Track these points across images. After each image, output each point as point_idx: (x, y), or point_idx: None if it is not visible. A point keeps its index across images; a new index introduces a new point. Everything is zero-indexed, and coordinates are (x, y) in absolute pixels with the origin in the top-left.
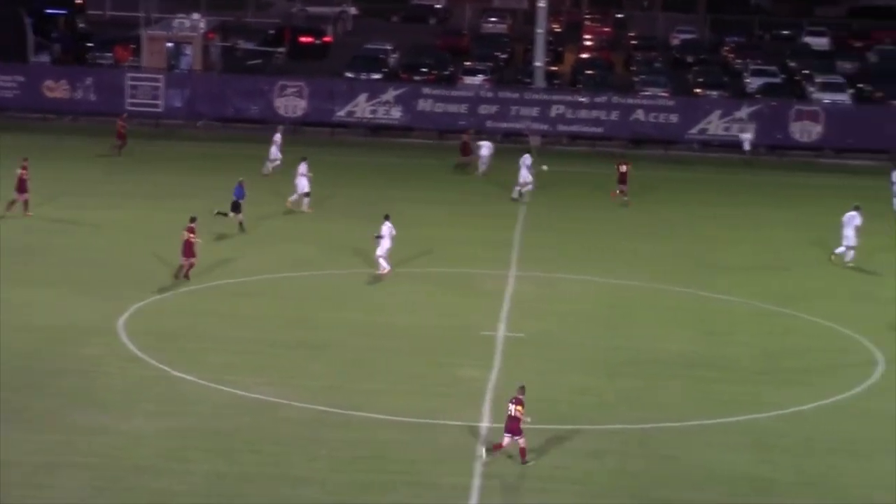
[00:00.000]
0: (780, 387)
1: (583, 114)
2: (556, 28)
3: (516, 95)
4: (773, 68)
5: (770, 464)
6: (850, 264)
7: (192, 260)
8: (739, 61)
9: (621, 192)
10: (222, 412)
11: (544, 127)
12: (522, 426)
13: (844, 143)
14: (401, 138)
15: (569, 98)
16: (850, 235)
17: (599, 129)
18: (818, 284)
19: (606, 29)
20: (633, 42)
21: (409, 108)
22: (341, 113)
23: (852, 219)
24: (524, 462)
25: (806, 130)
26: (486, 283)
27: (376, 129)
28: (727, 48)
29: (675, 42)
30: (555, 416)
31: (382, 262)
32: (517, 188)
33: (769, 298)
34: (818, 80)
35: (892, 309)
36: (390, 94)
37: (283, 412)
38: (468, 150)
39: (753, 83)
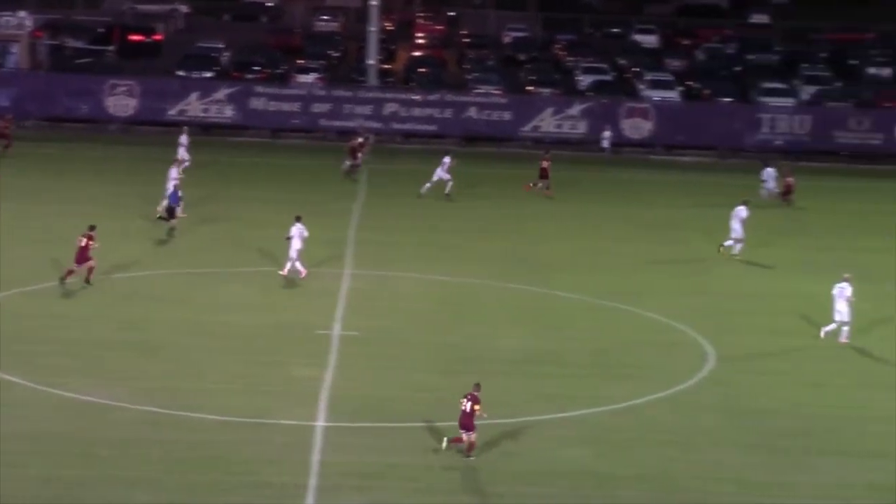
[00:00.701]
0: (615, 381)
1: (416, 112)
2: (389, 26)
3: (349, 94)
4: (604, 66)
5: (607, 458)
6: (738, 257)
7: (90, 264)
8: (571, 59)
9: (535, 185)
10: (53, 415)
11: (378, 125)
12: (476, 422)
13: (674, 140)
14: (233, 136)
15: (402, 96)
16: (737, 228)
17: (433, 127)
18: (650, 280)
19: (439, 27)
20: (466, 40)
21: (241, 106)
22: (173, 112)
23: (739, 212)
24: (468, 456)
25: (636, 127)
26: (321, 281)
27: (208, 128)
28: (559, 46)
29: (508, 40)
30: (391, 414)
31: (296, 265)
32: (429, 185)
33: (602, 294)
34: (648, 77)
35: (722, 303)
36: (222, 93)
37: (116, 414)
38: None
39: (585, 81)
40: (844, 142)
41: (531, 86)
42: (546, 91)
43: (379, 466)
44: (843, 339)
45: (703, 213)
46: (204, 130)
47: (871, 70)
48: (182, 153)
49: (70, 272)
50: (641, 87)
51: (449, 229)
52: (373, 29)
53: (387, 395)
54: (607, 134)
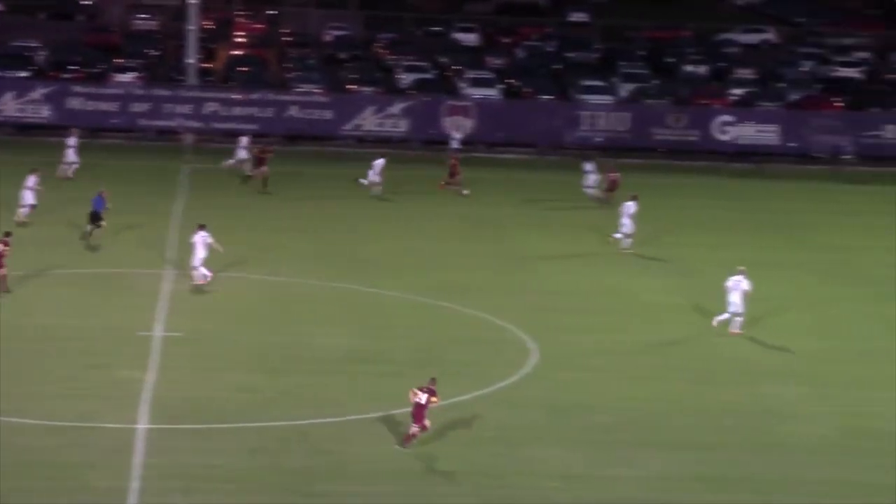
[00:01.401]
0: (440, 378)
1: (237, 111)
2: (208, 25)
3: (169, 93)
4: (425, 64)
5: (431, 455)
6: (628, 251)
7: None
8: (392, 58)
9: (448, 184)
10: None
11: (198, 125)
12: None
13: (495, 138)
14: (51, 137)
15: (222, 95)
16: (626, 223)
17: (254, 126)
18: (475, 277)
19: (259, 26)
20: (287, 39)
21: (58, 106)
22: None
23: (628, 208)
24: (405, 446)
25: (458, 125)
26: (141, 282)
27: (24, 128)
28: (380, 45)
29: (329, 38)
30: (214, 415)
31: (199, 271)
32: (364, 181)
33: (428, 292)
34: (469, 75)
35: (546, 300)
36: (38, 92)
37: None
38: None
39: (406, 79)
40: (662, 138)
41: (352, 84)
42: (367, 90)
43: (202, 468)
44: (736, 329)
45: (526, 211)
46: (20, 131)
47: (688, 68)
48: (71, 155)
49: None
50: (463, 85)
51: (271, 228)
52: (192, 27)
53: (210, 395)
54: (456, 135)
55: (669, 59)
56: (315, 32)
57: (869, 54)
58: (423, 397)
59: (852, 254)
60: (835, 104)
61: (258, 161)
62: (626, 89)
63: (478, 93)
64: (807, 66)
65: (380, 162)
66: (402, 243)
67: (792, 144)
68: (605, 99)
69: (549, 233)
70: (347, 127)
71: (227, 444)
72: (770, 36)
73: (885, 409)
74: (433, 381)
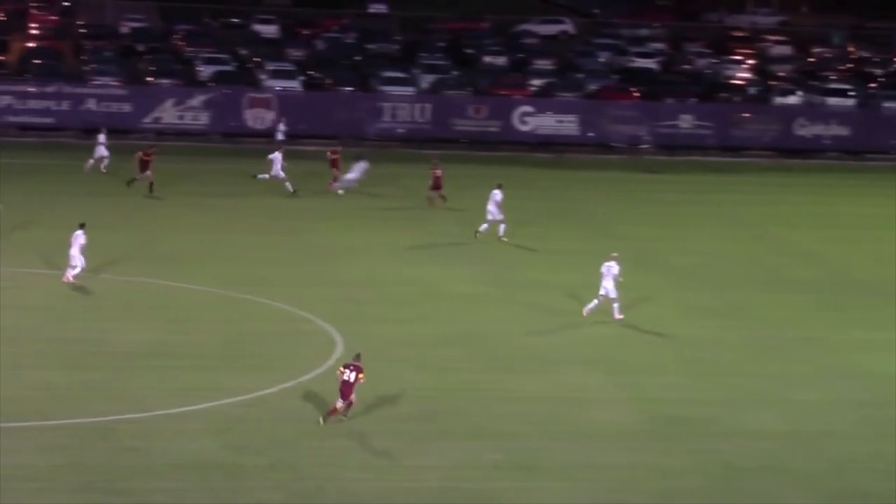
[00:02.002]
0: (244, 372)
1: (32, 104)
2: (1, 17)
3: None
4: (225, 56)
5: (237, 450)
6: (505, 239)
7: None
8: (191, 49)
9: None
10: None
11: None
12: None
13: (297, 129)
14: None
15: (16, 88)
16: (493, 211)
17: (50, 120)
18: (279, 270)
19: (53, 17)
20: (83, 30)
21: None
22: None
23: (494, 195)
24: (326, 420)
25: (259, 117)
26: None
27: None
28: (178, 36)
29: (126, 30)
30: (11, 414)
31: (70, 271)
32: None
33: (232, 285)
34: (269, 67)
35: (351, 291)
36: None
37: None
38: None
39: (206, 71)
40: (463, 129)
41: (151, 76)
42: (166, 82)
43: (3, 468)
44: (617, 315)
45: (330, 203)
46: None
47: (487, 58)
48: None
49: None
50: (263, 77)
51: (69, 225)
52: None
53: (5, 395)
54: (282, 127)
55: (469, 51)
56: (111, 24)
57: (663, 45)
58: (350, 375)
59: (650, 242)
60: (632, 94)
61: (142, 164)
62: (426, 80)
63: (279, 84)
64: (604, 56)
65: (276, 156)
66: (204, 237)
67: (591, 134)
68: (406, 90)
69: (354, 224)
70: (147, 120)
71: (28, 442)
72: (568, 27)
73: (682, 394)
74: (358, 357)
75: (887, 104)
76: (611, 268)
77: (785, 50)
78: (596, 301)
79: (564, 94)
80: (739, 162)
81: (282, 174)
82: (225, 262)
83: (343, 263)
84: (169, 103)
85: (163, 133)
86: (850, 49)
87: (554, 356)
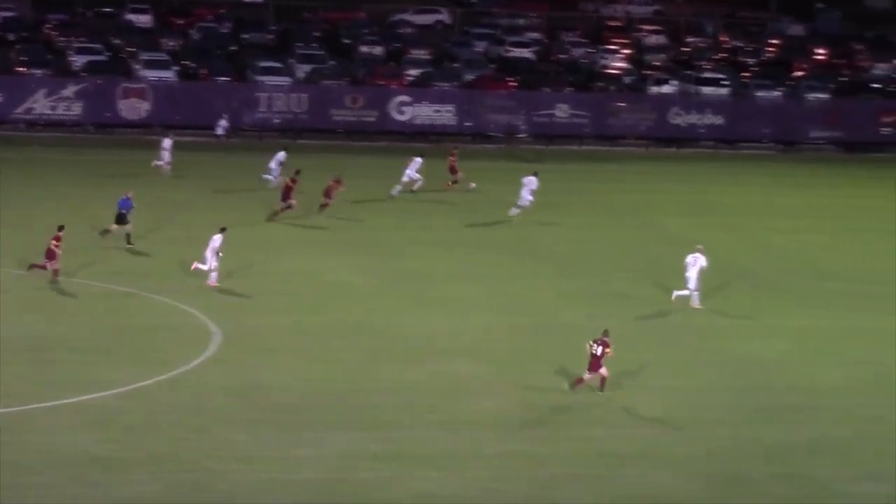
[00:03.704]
0: (123, 365)
1: None
2: None
3: None
4: (98, 46)
5: (114, 442)
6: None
7: (54, 265)
8: (63, 39)
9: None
10: None
11: None
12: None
13: (172, 120)
14: None
15: None
16: (526, 196)
17: None
18: (156, 262)
19: None
20: None
21: None
22: None
23: (529, 182)
24: (602, 390)
25: (133, 108)
26: None
27: None
28: (49, 26)
29: None
30: None
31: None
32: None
33: (110, 278)
34: (143, 57)
35: (229, 283)
36: None
37: None
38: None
39: (79, 61)
40: (341, 119)
41: (22, 67)
42: (38, 72)
43: None
44: (696, 304)
45: (205, 193)
46: None
47: (364, 48)
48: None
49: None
50: (137, 67)
51: None
52: None
53: None
54: (223, 122)
55: (345, 41)
56: None
57: (539, 35)
58: (597, 349)
59: (530, 230)
60: (508, 84)
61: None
62: (302, 70)
63: (153, 75)
64: (480, 46)
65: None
66: (82, 229)
67: (468, 124)
68: (283, 80)
69: (232, 215)
70: (18, 111)
71: None
72: (444, 17)
73: (561, 382)
74: (606, 332)
75: (760, 93)
76: (697, 258)
77: (659, 39)
78: (686, 291)
79: (441, 84)
80: (615, 151)
81: (417, 176)
82: (103, 255)
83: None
84: (41, 94)
85: (35, 124)
86: (724, 39)
87: (433, 346)
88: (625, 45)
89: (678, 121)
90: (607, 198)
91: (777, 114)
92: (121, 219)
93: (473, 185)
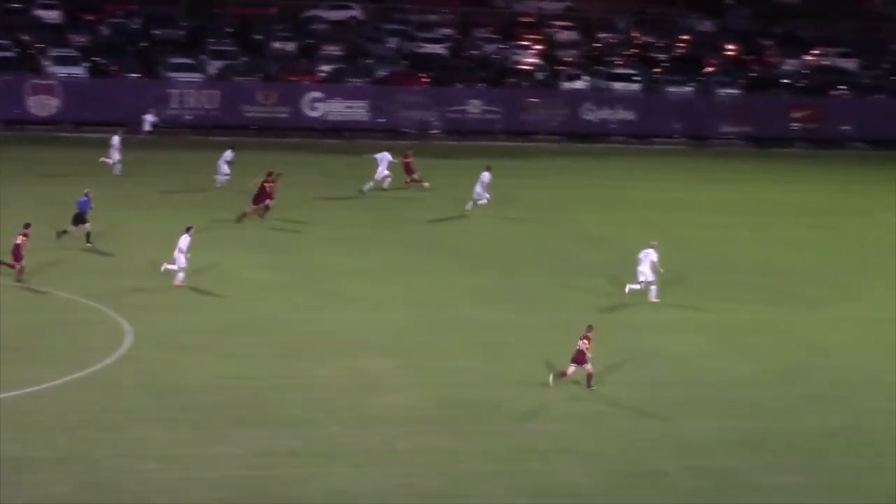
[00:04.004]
0: (32, 364)
1: None
2: None
3: None
4: (5, 42)
5: (21, 442)
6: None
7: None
8: None
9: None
10: None
11: None
12: (588, 357)
13: (82, 117)
14: None
15: None
16: (480, 191)
17: None
18: (66, 258)
19: None
20: None
21: None
22: None
23: (482, 177)
24: (589, 387)
25: (43, 104)
26: None
27: None
28: None
29: None
30: None
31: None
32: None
33: (12, 275)
34: (52, 53)
35: (141, 280)
36: None
37: None
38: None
39: None
40: (253, 115)
41: None
42: None
43: None
44: (652, 298)
45: (115, 189)
46: None
47: (276, 44)
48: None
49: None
50: (46, 63)
51: None
52: None
53: None
54: (149, 117)
55: (258, 37)
56: None
57: (452, 31)
58: (581, 344)
59: (440, 227)
60: (421, 80)
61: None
62: (214, 67)
63: (62, 71)
64: (393, 42)
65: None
66: None
67: (380, 120)
68: (194, 77)
69: (145, 211)
70: None
71: None
72: (356, 13)
73: (473, 378)
74: (589, 328)
75: (671, 89)
76: (648, 254)
77: (571, 36)
78: (638, 285)
79: (354, 80)
80: (528, 146)
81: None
82: (7, 252)
83: (130, 252)
84: None
85: None
86: (635, 35)
87: (346, 342)
88: (537, 42)
89: (590, 116)
90: (519, 193)
91: (688, 109)
92: (78, 219)
93: (427, 184)
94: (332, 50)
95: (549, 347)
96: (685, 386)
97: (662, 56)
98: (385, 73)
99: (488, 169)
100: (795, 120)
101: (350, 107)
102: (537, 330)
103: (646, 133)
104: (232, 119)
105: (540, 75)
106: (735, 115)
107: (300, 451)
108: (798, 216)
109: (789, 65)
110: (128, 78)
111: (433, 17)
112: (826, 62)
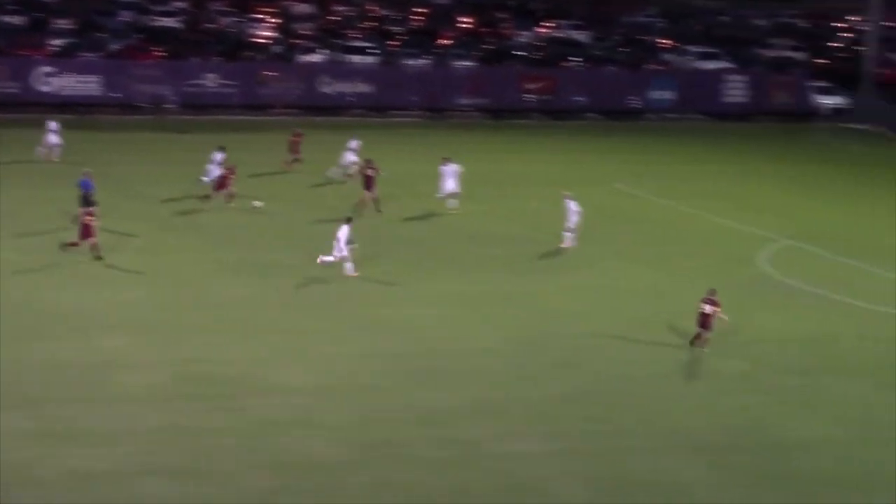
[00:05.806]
0: None
1: None
2: None
3: None
4: None
5: None
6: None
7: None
8: None
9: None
10: None
11: None
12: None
13: None
14: None
15: None
16: (451, 185)
17: None
18: None
19: None
20: None
21: None
22: None
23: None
24: (703, 349)
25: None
26: None
27: None
28: None
29: None
30: None
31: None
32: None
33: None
34: None
35: None
36: None
37: None
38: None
39: None
40: None
41: None
42: None
43: None
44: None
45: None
46: None
47: (4, 18)
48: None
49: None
50: None
51: None
52: None
53: None
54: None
55: None
56: None
57: (185, 4)
58: (707, 308)
59: (189, 204)
60: (155, 54)
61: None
62: None
63: None
64: (126, 16)
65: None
66: None
67: (115, 94)
68: None
69: None
70: None
71: None
72: None
73: (215, 354)
74: (713, 291)
75: (407, 61)
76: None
77: (307, 9)
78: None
79: (86, 55)
80: (265, 120)
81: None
82: None
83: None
84: None
85: None
86: (371, 8)
87: (85, 321)
88: (272, 15)
89: (327, 89)
90: (258, 169)
91: (424, 82)
92: (86, 201)
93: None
94: (64, 23)
95: (291, 321)
96: (425, 357)
97: (399, 29)
98: (118, 47)
99: (222, 149)
100: (530, 91)
101: (82, 81)
102: (284, 305)
103: (383, 106)
104: None
105: (276, 49)
106: (471, 87)
107: (36, 432)
108: (535, 186)
109: (523, 37)
110: None
111: None
112: (559, 34)
